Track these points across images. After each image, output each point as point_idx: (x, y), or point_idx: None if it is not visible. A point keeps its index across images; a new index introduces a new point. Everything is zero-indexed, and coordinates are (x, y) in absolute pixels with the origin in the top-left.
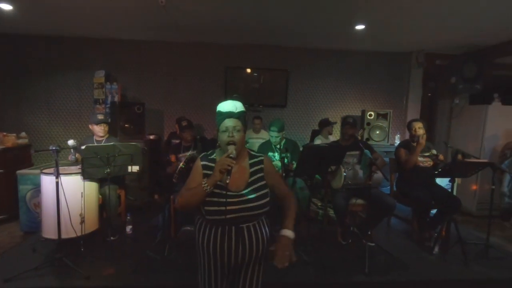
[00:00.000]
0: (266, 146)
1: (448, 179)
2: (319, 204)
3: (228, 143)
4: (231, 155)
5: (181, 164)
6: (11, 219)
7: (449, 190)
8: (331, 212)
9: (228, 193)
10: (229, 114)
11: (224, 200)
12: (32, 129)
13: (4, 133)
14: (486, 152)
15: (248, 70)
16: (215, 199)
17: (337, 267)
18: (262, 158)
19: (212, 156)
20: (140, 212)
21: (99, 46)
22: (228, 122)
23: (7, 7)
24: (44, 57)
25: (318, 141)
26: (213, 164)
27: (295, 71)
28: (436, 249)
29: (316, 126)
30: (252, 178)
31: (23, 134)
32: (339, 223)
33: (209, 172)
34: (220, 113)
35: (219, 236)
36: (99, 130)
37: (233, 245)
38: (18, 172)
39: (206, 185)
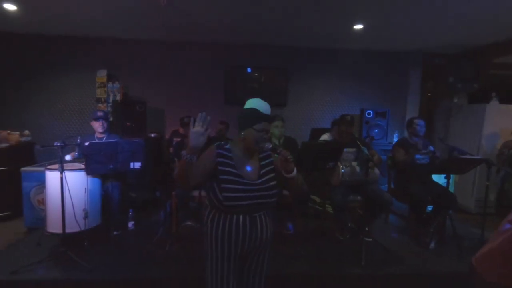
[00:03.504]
0: None
1: (444, 175)
2: (318, 200)
3: (263, 141)
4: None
5: None
6: (15, 216)
7: (446, 186)
8: (330, 209)
9: (244, 181)
10: (267, 118)
11: (242, 187)
12: (35, 127)
13: (8, 131)
14: (485, 150)
15: (249, 70)
16: (233, 186)
17: (334, 260)
18: (269, 152)
19: (227, 146)
20: (142, 209)
21: (101, 46)
22: (266, 125)
23: (11, 7)
24: (47, 56)
25: (324, 137)
26: (229, 154)
27: (295, 71)
28: (432, 244)
29: (316, 124)
30: (263, 171)
31: (27, 132)
32: (337, 219)
33: (225, 160)
34: (259, 113)
35: (234, 224)
36: (98, 126)
37: (247, 233)
38: (22, 169)
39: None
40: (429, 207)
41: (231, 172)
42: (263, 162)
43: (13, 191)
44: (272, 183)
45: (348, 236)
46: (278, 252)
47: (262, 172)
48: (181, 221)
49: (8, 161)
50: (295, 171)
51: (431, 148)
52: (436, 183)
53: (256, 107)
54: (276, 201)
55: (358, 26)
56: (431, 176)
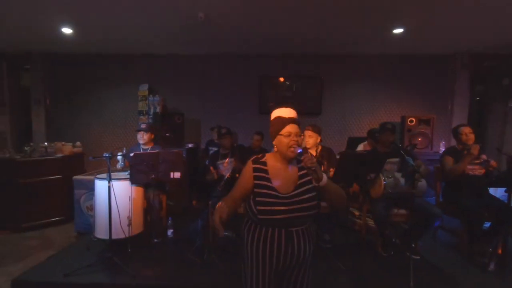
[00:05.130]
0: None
1: (503, 189)
2: (357, 213)
3: (292, 146)
4: (299, 152)
5: (227, 175)
6: (67, 221)
7: (505, 201)
8: (371, 222)
9: (278, 194)
10: (293, 120)
11: (276, 200)
12: (85, 139)
13: (63, 143)
14: None
15: (281, 79)
16: (267, 199)
17: (378, 279)
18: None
19: (263, 159)
20: (180, 217)
21: (142, 62)
22: (292, 128)
23: (68, 31)
24: (95, 73)
25: (360, 147)
26: (264, 167)
27: (330, 78)
28: (492, 266)
29: (353, 133)
30: (301, 181)
31: (78, 143)
32: (379, 234)
33: (260, 174)
34: (282, 118)
35: (269, 238)
36: (139, 137)
37: (282, 248)
38: (74, 177)
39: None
40: (486, 224)
41: (266, 186)
42: (301, 172)
43: (65, 198)
44: (310, 195)
45: (392, 252)
46: (316, 266)
47: (299, 182)
48: None
49: (62, 170)
50: (324, 179)
51: (485, 157)
52: (494, 197)
53: (281, 114)
54: (314, 214)
55: (398, 30)
56: (487, 189)
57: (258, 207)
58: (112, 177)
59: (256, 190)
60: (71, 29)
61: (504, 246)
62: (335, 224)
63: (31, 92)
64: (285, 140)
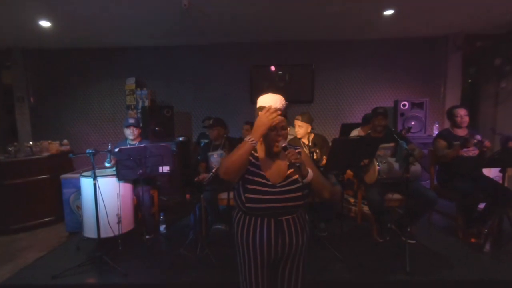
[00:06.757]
0: (294, 142)
1: (498, 169)
2: (352, 200)
3: (278, 141)
4: (284, 146)
5: (213, 170)
6: (57, 221)
7: (499, 181)
8: (366, 209)
9: (268, 183)
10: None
11: (265, 189)
12: (72, 136)
13: (49, 141)
14: None
15: (273, 68)
16: (257, 187)
17: (374, 265)
18: (299, 150)
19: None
20: (173, 212)
21: (128, 55)
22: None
23: (46, 24)
24: (80, 68)
25: (355, 133)
26: (255, 154)
27: (321, 65)
28: (487, 247)
29: (346, 119)
30: (289, 172)
31: (65, 141)
32: (375, 220)
33: (252, 159)
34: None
35: (259, 228)
36: (129, 133)
37: (272, 238)
38: (62, 176)
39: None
40: (481, 205)
41: (255, 173)
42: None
43: (55, 198)
44: (297, 185)
45: (387, 238)
46: (312, 256)
47: (288, 173)
48: (211, 225)
49: (49, 169)
50: (310, 176)
51: (479, 137)
52: (488, 178)
53: (263, 104)
54: (303, 204)
55: (389, 12)
56: (481, 170)
57: (246, 195)
58: (98, 174)
59: (246, 176)
60: (50, 22)
61: (499, 227)
62: (331, 213)
63: (13, 90)
64: (269, 135)
